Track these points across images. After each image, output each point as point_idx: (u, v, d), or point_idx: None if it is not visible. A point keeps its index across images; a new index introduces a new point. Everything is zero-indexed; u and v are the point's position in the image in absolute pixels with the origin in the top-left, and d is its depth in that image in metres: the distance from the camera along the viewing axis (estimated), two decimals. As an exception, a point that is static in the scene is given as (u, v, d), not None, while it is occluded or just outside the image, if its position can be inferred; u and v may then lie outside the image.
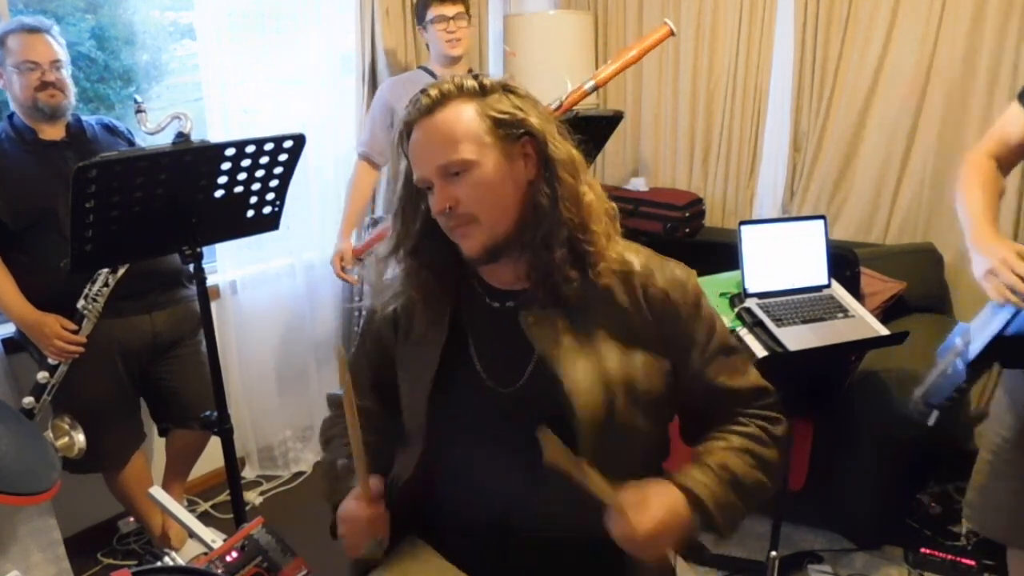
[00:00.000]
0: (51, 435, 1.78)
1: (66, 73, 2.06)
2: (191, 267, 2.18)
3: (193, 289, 2.22)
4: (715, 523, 1.06)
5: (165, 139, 1.85)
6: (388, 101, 2.59)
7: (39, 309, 2.01)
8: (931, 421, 1.58)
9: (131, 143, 2.20)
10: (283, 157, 1.69)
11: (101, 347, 2.06)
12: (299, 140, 1.70)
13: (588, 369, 1.08)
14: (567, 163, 1.09)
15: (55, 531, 2.19)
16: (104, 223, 1.50)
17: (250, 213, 1.75)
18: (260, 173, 1.68)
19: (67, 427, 1.84)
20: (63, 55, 2.05)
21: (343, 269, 2.63)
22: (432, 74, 2.62)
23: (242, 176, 1.65)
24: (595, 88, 2.29)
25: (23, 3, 2.39)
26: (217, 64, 2.52)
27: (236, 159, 1.61)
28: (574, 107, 2.30)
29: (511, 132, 1.06)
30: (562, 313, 1.11)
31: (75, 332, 1.99)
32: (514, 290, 1.15)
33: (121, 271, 2.01)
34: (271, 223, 1.82)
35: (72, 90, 2.08)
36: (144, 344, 2.18)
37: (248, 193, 1.70)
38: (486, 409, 1.14)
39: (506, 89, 1.09)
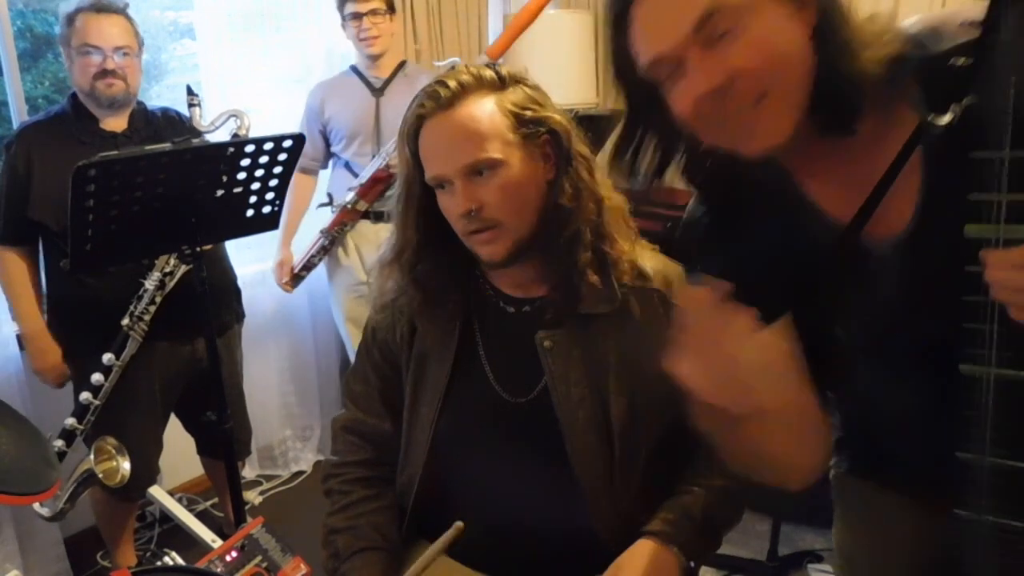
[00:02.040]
0: (92, 458, 1.58)
1: (135, 61, 1.90)
2: (238, 286, 2.20)
3: (237, 308, 2.21)
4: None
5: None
6: (315, 107, 2.51)
7: (81, 321, 1.91)
8: None
9: (196, 136, 2.00)
10: (283, 157, 1.69)
11: (141, 373, 1.93)
12: (299, 140, 1.69)
13: (590, 421, 1.07)
14: (586, 160, 1.06)
15: (55, 531, 2.20)
16: (104, 223, 1.50)
17: (250, 212, 1.75)
18: (260, 173, 1.68)
19: (112, 450, 1.63)
20: (131, 40, 1.89)
21: (285, 281, 2.56)
22: (360, 74, 2.55)
23: (242, 176, 1.65)
24: (492, 63, 2.20)
25: (23, 3, 2.39)
26: (217, 64, 2.52)
27: (236, 159, 1.61)
28: None
29: (533, 130, 1.02)
30: (579, 333, 1.07)
31: (118, 354, 1.85)
32: (529, 296, 1.11)
33: (168, 287, 1.88)
34: (271, 222, 1.82)
35: (138, 79, 1.93)
36: (183, 371, 2.05)
37: (248, 193, 1.70)
38: (495, 419, 1.12)
39: (520, 81, 1.05)
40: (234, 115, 1.84)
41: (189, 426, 2.25)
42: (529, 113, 1.02)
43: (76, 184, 1.41)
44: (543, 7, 2.26)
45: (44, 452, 1.29)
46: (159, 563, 1.15)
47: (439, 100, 1.01)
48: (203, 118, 1.84)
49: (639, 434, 1.09)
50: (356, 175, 2.51)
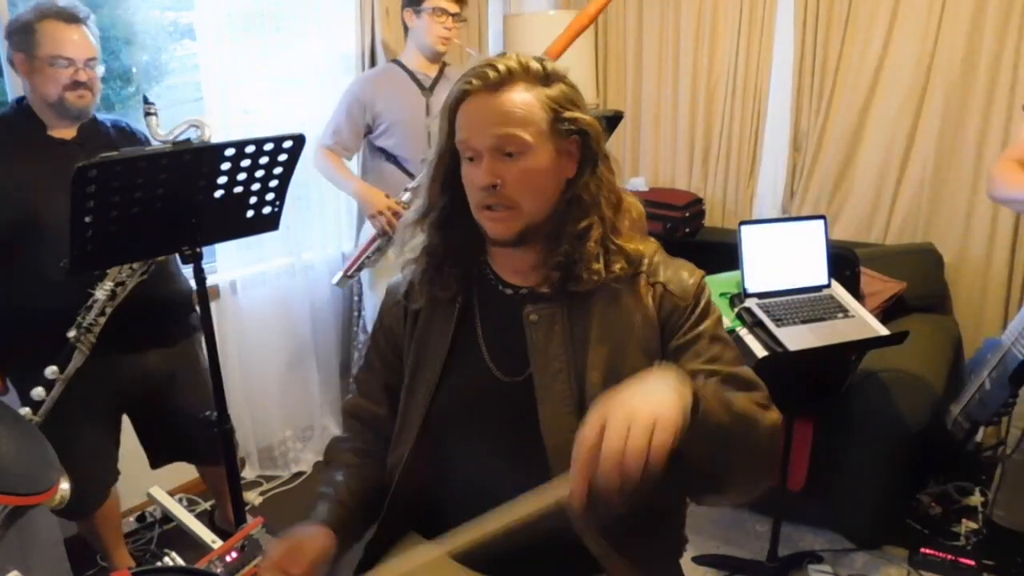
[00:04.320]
0: None
1: (99, 70, 1.85)
2: (193, 297, 2.05)
3: (191, 320, 2.13)
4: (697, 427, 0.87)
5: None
6: (361, 99, 2.53)
7: (21, 331, 1.82)
8: (979, 437, 1.68)
9: None
10: (283, 157, 1.68)
11: (90, 387, 1.84)
12: (299, 140, 1.69)
13: (564, 395, 1.09)
14: (609, 161, 1.12)
15: (55, 531, 2.19)
16: (104, 223, 1.50)
17: (250, 213, 1.75)
18: (260, 173, 1.68)
19: None
20: (98, 49, 1.84)
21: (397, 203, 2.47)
22: (406, 69, 2.57)
23: (242, 176, 1.65)
24: (539, 57, 2.23)
25: (23, 2, 2.39)
26: (217, 64, 2.52)
27: (236, 159, 1.61)
28: None
29: (566, 128, 1.07)
30: (564, 309, 1.11)
31: (62, 367, 1.77)
32: (528, 284, 1.14)
33: (119, 298, 1.81)
34: (271, 223, 1.82)
35: (100, 88, 1.88)
36: (133, 383, 1.99)
37: (248, 193, 1.70)
38: (488, 398, 1.14)
39: (561, 79, 1.10)
40: (194, 125, 1.75)
41: (144, 439, 2.18)
42: (566, 112, 1.07)
43: (76, 184, 1.41)
44: (603, 8, 2.30)
45: (44, 452, 1.29)
46: (159, 563, 1.15)
47: (486, 80, 1.06)
48: (160, 127, 1.76)
49: None
50: (405, 169, 2.54)
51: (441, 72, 2.62)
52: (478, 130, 1.06)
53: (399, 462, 1.19)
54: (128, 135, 2.01)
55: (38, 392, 1.77)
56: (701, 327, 1.12)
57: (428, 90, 2.57)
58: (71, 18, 1.80)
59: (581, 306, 1.11)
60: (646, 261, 1.14)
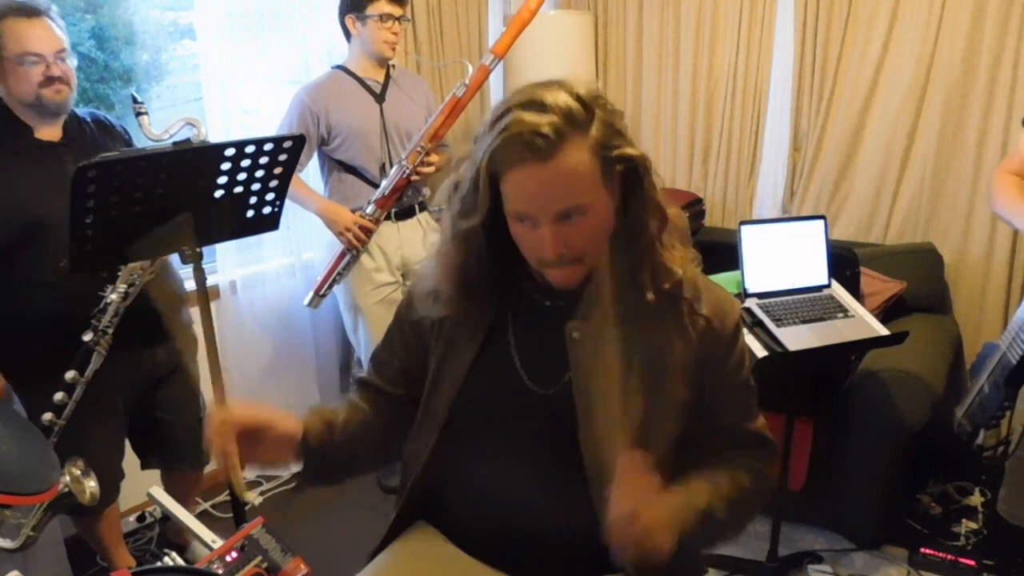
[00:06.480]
0: (67, 479, 1.52)
1: (72, 63, 1.81)
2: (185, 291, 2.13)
3: (184, 315, 2.15)
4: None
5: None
6: (313, 110, 2.45)
7: (20, 338, 1.81)
8: (980, 439, 1.80)
9: (128, 145, 1.98)
10: (283, 157, 1.68)
11: (103, 384, 1.84)
12: (299, 140, 1.69)
13: (606, 417, 1.07)
14: (652, 178, 1.07)
15: (55, 531, 2.19)
16: (104, 223, 1.50)
17: (250, 213, 1.75)
18: (260, 173, 1.68)
19: (79, 473, 1.56)
20: (66, 41, 1.79)
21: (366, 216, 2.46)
22: (352, 74, 2.52)
23: (242, 176, 1.65)
24: (496, 60, 2.30)
25: (23, 3, 2.39)
26: (217, 64, 2.52)
27: (236, 159, 1.61)
28: (480, 87, 2.35)
29: (615, 167, 1.02)
30: (611, 331, 1.08)
31: (81, 370, 1.78)
32: (568, 290, 1.11)
33: (131, 298, 1.82)
34: (271, 223, 1.82)
35: (76, 81, 1.84)
36: (142, 377, 2.01)
37: (248, 193, 1.70)
38: (516, 406, 1.13)
39: (598, 104, 1.02)
40: (190, 123, 1.73)
41: (133, 436, 2.15)
42: (614, 152, 1.01)
43: (76, 184, 1.41)
44: (542, 2, 2.37)
45: (44, 452, 1.29)
46: (159, 563, 1.15)
47: (536, 150, 0.97)
48: (153, 126, 1.73)
49: (651, 436, 1.08)
50: (367, 180, 2.51)
51: (388, 76, 2.57)
52: (537, 204, 1.00)
53: (421, 454, 1.19)
54: (108, 128, 1.99)
55: (60, 396, 1.78)
56: (741, 375, 1.16)
57: (380, 96, 2.53)
58: (32, 12, 1.73)
59: (625, 328, 1.08)
60: (687, 286, 1.12)
